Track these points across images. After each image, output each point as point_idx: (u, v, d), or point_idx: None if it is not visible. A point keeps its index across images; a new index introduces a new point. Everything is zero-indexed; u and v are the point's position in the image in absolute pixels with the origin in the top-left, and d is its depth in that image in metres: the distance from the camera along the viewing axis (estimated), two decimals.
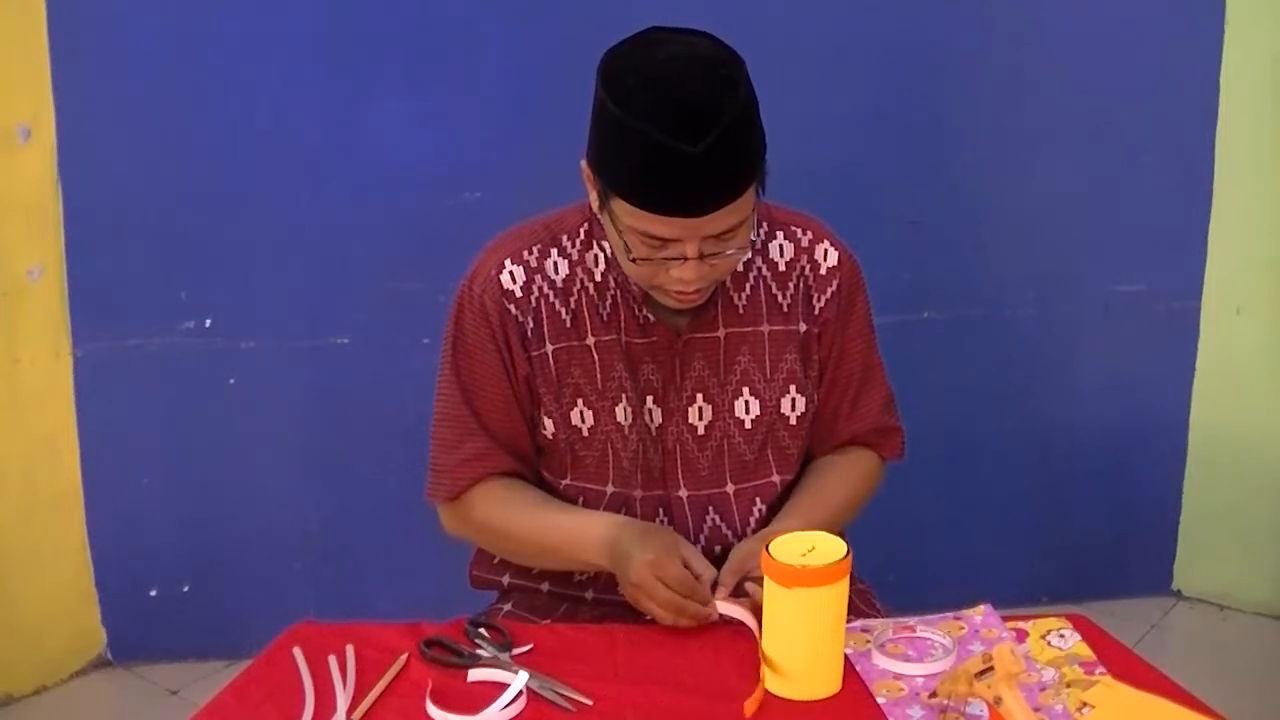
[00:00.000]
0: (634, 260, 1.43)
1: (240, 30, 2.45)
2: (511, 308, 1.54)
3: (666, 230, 1.39)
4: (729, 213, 1.39)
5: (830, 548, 1.32)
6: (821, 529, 1.40)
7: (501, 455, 1.58)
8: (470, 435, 1.58)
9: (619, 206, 1.41)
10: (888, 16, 2.57)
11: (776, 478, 1.61)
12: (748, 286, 1.58)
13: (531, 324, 1.55)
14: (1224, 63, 2.66)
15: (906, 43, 2.59)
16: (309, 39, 2.47)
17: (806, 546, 1.32)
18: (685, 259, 1.41)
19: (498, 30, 2.49)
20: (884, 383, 1.69)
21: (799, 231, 1.60)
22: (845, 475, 1.66)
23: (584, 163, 1.46)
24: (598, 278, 1.56)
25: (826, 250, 1.60)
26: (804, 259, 1.59)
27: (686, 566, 1.44)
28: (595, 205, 1.48)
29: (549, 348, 1.55)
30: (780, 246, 1.59)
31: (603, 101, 1.38)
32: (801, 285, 1.59)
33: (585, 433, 1.57)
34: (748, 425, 1.59)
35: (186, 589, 2.69)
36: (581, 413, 1.56)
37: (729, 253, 1.43)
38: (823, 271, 1.59)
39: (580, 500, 1.61)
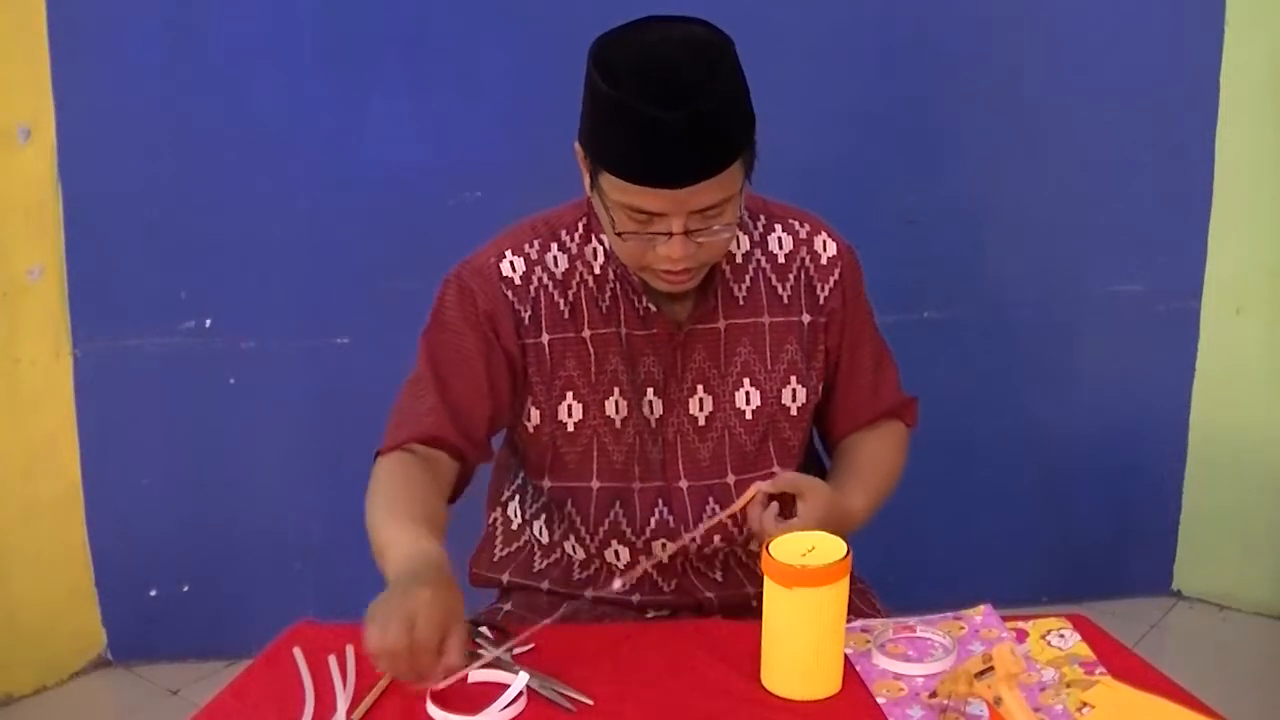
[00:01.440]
0: (620, 235, 1.44)
1: (240, 30, 2.45)
2: (509, 294, 1.54)
3: (652, 203, 1.40)
4: (713, 187, 1.39)
5: (830, 548, 1.32)
6: (877, 495, 1.51)
7: (445, 422, 1.52)
8: (421, 397, 1.54)
9: (606, 181, 1.42)
10: (887, 15, 2.57)
11: (777, 469, 1.62)
12: (747, 278, 1.59)
13: (529, 312, 1.55)
14: (1224, 63, 2.66)
15: (906, 43, 2.59)
16: (309, 39, 2.47)
17: (806, 546, 1.32)
18: (671, 235, 1.41)
19: (498, 30, 2.49)
20: (892, 361, 1.71)
21: (796, 224, 1.62)
22: (884, 442, 1.67)
23: (577, 144, 1.48)
24: (597, 270, 1.56)
25: (825, 241, 1.62)
26: (803, 250, 1.61)
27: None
28: (586, 185, 1.49)
29: (545, 338, 1.55)
30: (779, 239, 1.60)
31: (592, 79, 1.40)
32: (803, 276, 1.60)
33: (571, 428, 1.57)
34: (748, 416, 1.60)
35: (186, 589, 2.69)
36: (570, 406, 1.56)
37: (715, 229, 1.43)
38: (823, 262, 1.61)
39: (569, 501, 1.60)
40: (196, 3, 2.44)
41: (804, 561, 1.29)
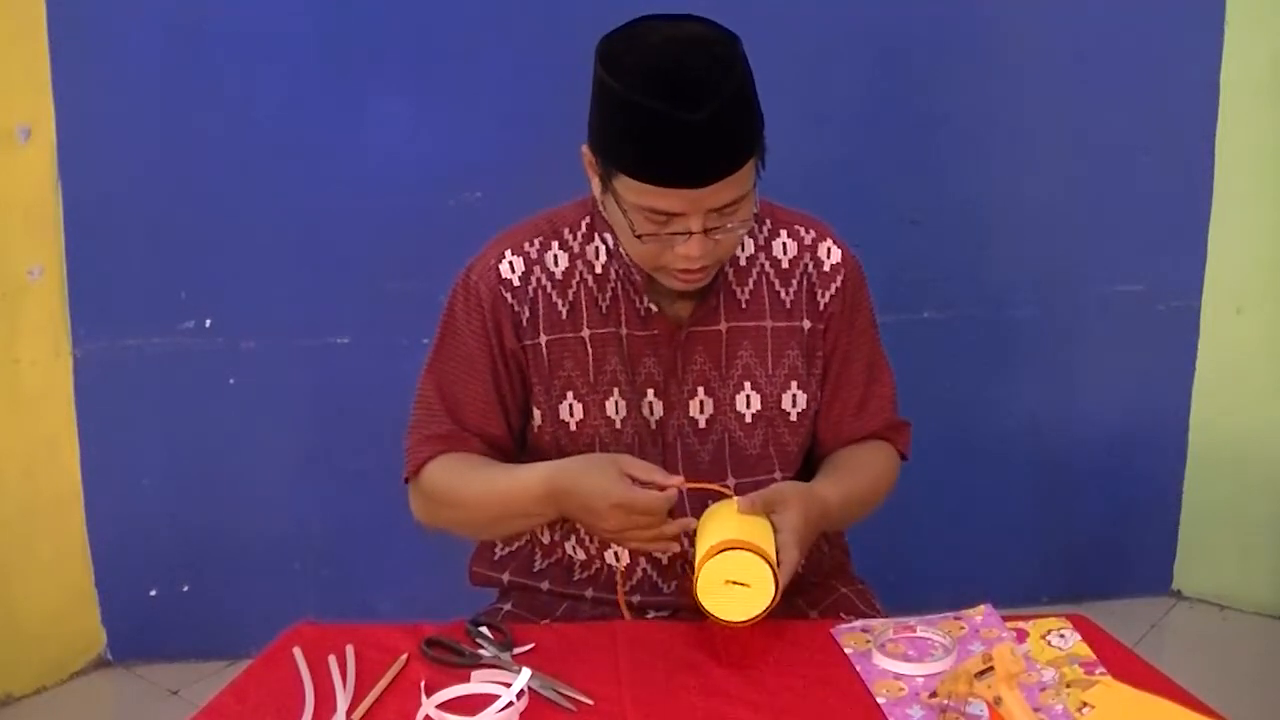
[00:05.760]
0: (639, 237, 1.43)
1: (240, 30, 2.45)
2: (508, 296, 1.55)
3: (670, 204, 1.40)
4: (730, 185, 1.40)
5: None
6: (850, 493, 1.52)
7: (467, 439, 1.57)
8: (438, 419, 1.58)
9: (622, 185, 1.42)
10: (889, 17, 2.57)
11: (779, 474, 1.61)
12: (750, 282, 1.59)
13: (527, 313, 1.55)
14: (1224, 63, 2.66)
15: (907, 42, 2.59)
16: (309, 39, 2.47)
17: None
18: (690, 234, 1.41)
19: (498, 30, 2.49)
20: (891, 382, 1.69)
21: (802, 230, 1.62)
22: (872, 458, 1.65)
23: (585, 147, 1.47)
24: (598, 270, 1.57)
25: (830, 248, 1.61)
26: (807, 256, 1.60)
27: (634, 480, 1.41)
28: (597, 190, 1.49)
29: (543, 338, 1.56)
30: (784, 244, 1.60)
31: (602, 80, 1.39)
32: (805, 282, 1.60)
33: (573, 427, 1.57)
34: (748, 420, 1.59)
35: (186, 589, 2.69)
36: (571, 406, 1.57)
37: (731, 226, 1.44)
38: (826, 268, 1.60)
39: None
40: (196, 3, 2.45)
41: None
